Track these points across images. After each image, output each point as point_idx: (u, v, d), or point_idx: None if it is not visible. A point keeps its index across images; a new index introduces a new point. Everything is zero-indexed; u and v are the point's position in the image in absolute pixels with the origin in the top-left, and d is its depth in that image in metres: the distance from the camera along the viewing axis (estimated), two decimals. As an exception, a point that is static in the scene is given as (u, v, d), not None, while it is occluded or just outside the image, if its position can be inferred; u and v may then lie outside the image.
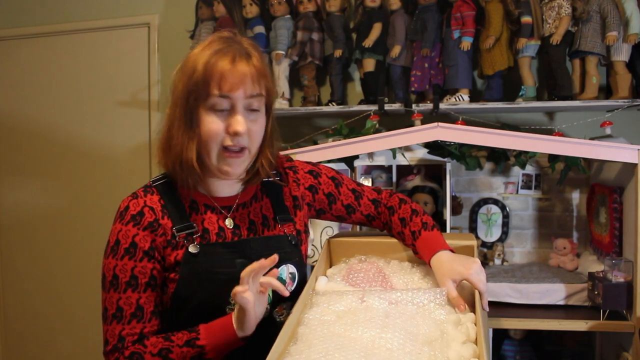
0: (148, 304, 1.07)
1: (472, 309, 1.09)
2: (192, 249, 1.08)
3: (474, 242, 1.27)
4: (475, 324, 1.02)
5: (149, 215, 1.08)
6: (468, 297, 1.12)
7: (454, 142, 2.02)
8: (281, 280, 1.12)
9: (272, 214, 1.19)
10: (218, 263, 1.09)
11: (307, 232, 1.28)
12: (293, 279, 1.16)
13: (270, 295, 1.11)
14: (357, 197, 1.32)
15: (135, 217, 1.07)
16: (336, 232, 2.16)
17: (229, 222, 1.14)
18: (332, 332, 0.96)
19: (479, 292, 1.09)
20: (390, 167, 2.28)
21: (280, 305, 1.13)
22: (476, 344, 0.97)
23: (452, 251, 1.19)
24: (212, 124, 1.04)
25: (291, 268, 1.15)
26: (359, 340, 0.93)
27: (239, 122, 1.04)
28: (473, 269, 1.10)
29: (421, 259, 1.23)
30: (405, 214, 1.28)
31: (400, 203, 1.32)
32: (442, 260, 1.15)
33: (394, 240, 1.32)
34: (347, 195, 1.31)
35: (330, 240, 1.38)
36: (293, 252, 1.18)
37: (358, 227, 2.12)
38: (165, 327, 1.10)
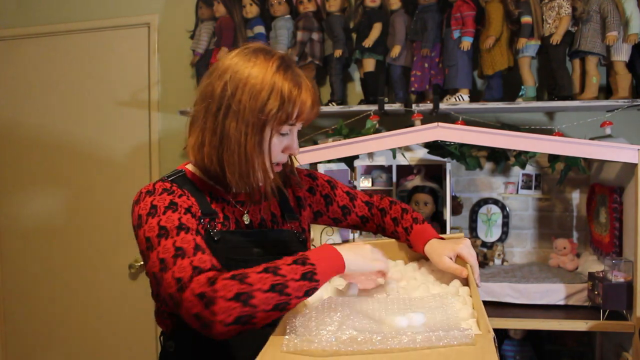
0: (205, 247, 0.99)
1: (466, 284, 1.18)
2: (213, 234, 1.09)
3: (462, 234, 1.41)
4: (471, 295, 1.10)
5: (179, 192, 1.08)
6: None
7: (454, 142, 2.02)
8: None
9: (280, 211, 1.24)
10: (237, 250, 1.11)
11: (309, 232, 1.32)
12: None
13: None
14: (352, 199, 1.38)
15: (167, 189, 1.07)
16: (335, 233, 2.17)
17: (245, 218, 1.18)
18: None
19: (470, 265, 1.19)
20: (390, 167, 2.28)
21: None
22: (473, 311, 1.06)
23: (442, 239, 1.29)
24: (276, 145, 1.10)
25: None
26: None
27: (297, 147, 1.14)
28: (464, 244, 1.23)
29: (417, 252, 1.32)
30: (396, 214, 1.37)
31: (390, 204, 1.40)
32: (433, 244, 1.26)
33: (381, 241, 1.39)
34: (342, 197, 1.37)
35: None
36: (301, 248, 1.23)
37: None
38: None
